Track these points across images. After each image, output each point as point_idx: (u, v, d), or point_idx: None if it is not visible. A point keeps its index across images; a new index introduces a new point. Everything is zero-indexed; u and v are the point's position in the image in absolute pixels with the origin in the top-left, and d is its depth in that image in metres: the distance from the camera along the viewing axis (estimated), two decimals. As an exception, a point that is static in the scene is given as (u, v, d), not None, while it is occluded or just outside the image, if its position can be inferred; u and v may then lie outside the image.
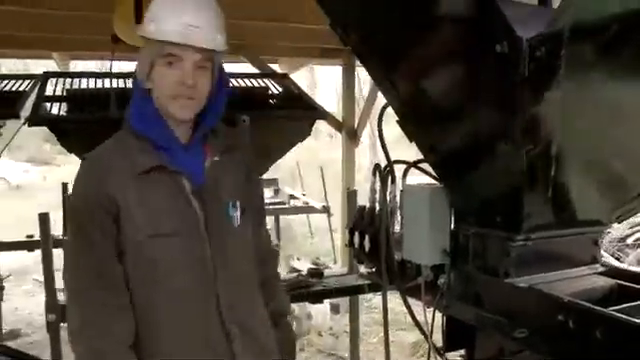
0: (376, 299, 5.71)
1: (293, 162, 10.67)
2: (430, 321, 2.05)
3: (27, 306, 6.69)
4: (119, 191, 1.49)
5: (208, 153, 1.63)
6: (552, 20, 1.38)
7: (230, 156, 1.68)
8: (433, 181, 2.03)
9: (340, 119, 6.15)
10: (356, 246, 2.32)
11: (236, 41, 4.75)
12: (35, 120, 3.13)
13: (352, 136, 6.05)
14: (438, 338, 2.09)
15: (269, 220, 6.46)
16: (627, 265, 5.55)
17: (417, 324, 2.07)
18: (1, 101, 3.44)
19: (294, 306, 4.65)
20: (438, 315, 2.07)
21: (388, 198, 2.15)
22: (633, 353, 1.39)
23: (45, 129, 3.26)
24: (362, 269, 2.77)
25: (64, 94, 3.55)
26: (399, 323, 4.86)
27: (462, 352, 2.12)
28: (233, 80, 4.07)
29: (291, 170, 11.24)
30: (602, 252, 2.04)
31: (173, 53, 1.48)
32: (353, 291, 3.70)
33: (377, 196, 2.22)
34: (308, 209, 7.21)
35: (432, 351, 2.06)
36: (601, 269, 1.90)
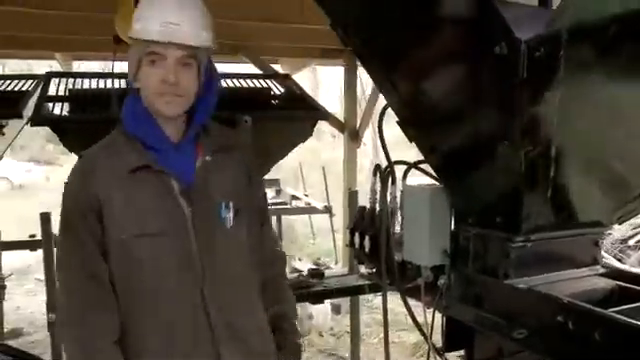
0: (377, 299, 5.71)
1: (296, 162, 10.68)
2: (430, 322, 2.06)
3: (29, 305, 6.71)
4: (104, 190, 1.51)
5: (199, 152, 1.63)
6: (551, 21, 1.38)
7: (225, 155, 1.67)
8: (433, 182, 2.04)
9: (342, 119, 6.15)
10: (356, 246, 2.32)
11: (237, 42, 4.77)
12: (37, 120, 3.14)
13: (354, 137, 6.05)
14: (438, 339, 2.09)
15: (271, 220, 6.45)
16: (629, 266, 5.54)
17: (417, 325, 2.07)
18: (4, 101, 3.46)
19: (295, 306, 4.64)
20: (438, 315, 2.07)
21: (388, 199, 2.16)
22: (632, 355, 1.39)
23: (48, 129, 3.27)
24: (362, 269, 2.77)
25: (66, 94, 3.56)
26: (400, 324, 4.87)
27: (462, 352, 2.12)
28: (235, 80, 4.08)
29: (294, 170, 11.25)
30: (603, 253, 2.04)
31: (156, 51, 1.49)
32: (353, 291, 3.71)
33: (377, 197, 2.22)
34: (310, 209, 7.22)
35: (432, 351, 2.06)
36: (602, 270, 1.90)
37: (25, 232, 5.24)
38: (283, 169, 10.03)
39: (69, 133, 3.14)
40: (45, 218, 3.58)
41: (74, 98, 3.51)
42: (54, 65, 5.72)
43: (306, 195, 7.69)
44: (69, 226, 1.56)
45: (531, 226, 1.69)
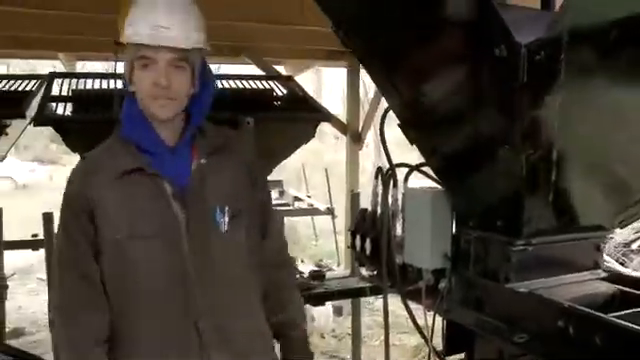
0: (379, 302, 5.69)
1: (299, 164, 10.68)
2: (431, 324, 2.05)
3: (31, 305, 6.72)
4: (98, 191, 1.54)
5: (195, 155, 1.63)
6: (551, 24, 1.38)
7: (221, 157, 1.66)
8: (435, 184, 2.03)
9: (345, 121, 6.14)
10: (357, 249, 2.32)
11: (240, 43, 4.77)
12: (40, 120, 3.15)
13: (356, 138, 6.04)
14: (439, 342, 2.09)
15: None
16: (631, 270, 5.52)
17: (417, 327, 2.07)
18: (8, 101, 3.46)
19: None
20: (439, 318, 2.06)
21: (390, 201, 2.15)
22: (633, 360, 1.39)
23: (51, 129, 3.28)
24: (363, 272, 2.76)
25: (69, 94, 3.56)
26: (401, 326, 4.85)
27: (462, 356, 2.12)
28: (237, 82, 4.08)
29: (297, 172, 11.25)
30: (606, 257, 2.04)
31: (147, 55, 1.50)
32: (354, 294, 3.71)
33: (379, 199, 2.22)
34: (312, 211, 7.21)
35: (432, 354, 2.05)
36: (603, 275, 1.89)
37: (28, 231, 5.25)
38: (286, 170, 10.03)
39: (72, 133, 3.15)
40: (47, 218, 3.59)
41: (77, 98, 3.51)
42: (57, 65, 5.74)
43: (309, 196, 7.67)
44: (64, 225, 1.59)
45: (532, 230, 1.69)
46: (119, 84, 3.50)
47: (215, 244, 1.59)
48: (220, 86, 3.92)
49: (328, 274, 3.83)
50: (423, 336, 2.07)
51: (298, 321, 1.82)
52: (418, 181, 2.12)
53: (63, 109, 3.39)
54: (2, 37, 4.62)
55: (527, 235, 1.69)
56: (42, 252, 4.02)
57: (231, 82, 4.05)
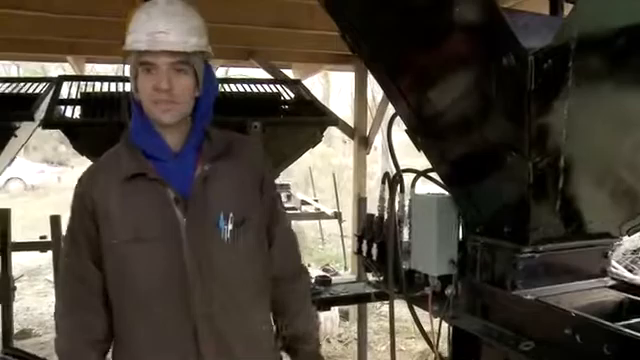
0: (386, 307, 5.68)
1: (306, 167, 10.69)
2: (437, 330, 2.05)
3: (39, 306, 6.74)
4: (102, 195, 1.56)
5: (199, 161, 1.62)
6: (559, 32, 1.37)
7: (227, 163, 1.65)
8: (442, 190, 2.02)
9: (352, 125, 6.13)
10: (364, 254, 2.31)
11: (248, 47, 4.78)
12: (49, 122, 3.17)
13: (363, 143, 6.03)
14: (445, 348, 2.08)
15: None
16: (639, 278, 5.47)
17: (423, 333, 2.06)
18: (17, 103, 3.49)
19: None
20: (445, 324, 2.06)
21: (397, 207, 2.15)
22: (640, 369, 1.37)
23: (60, 131, 3.31)
24: (370, 277, 2.75)
25: (78, 97, 3.58)
26: (408, 331, 4.84)
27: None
28: (245, 86, 4.09)
29: (305, 175, 11.26)
30: (615, 264, 2.02)
31: (147, 61, 1.51)
32: (361, 299, 3.68)
33: (386, 204, 2.22)
34: (320, 215, 7.19)
35: (438, 361, 2.05)
36: (611, 282, 1.88)
37: (37, 232, 5.28)
38: (294, 174, 10.05)
39: (80, 136, 3.16)
40: (55, 220, 3.61)
41: (86, 101, 3.53)
42: (67, 68, 5.77)
43: (316, 200, 7.66)
44: (69, 226, 1.63)
45: (539, 237, 1.68)
46: (127, 87, 3.52)
47: (216, 250, 1.58)
48: (228, 90, 3.93)
49: (334, 279, 3.80)
50: (429, 342, 2.06)
51: (309, 334, 1.79)
52: (425, 187, 2.12)
53: (72, 112, 3.41)
54: (12, 39, 4.65)
55: (534, 242, 1.68)
56: (50, 254, 4.04)
57: (238, 86, 4.05)
